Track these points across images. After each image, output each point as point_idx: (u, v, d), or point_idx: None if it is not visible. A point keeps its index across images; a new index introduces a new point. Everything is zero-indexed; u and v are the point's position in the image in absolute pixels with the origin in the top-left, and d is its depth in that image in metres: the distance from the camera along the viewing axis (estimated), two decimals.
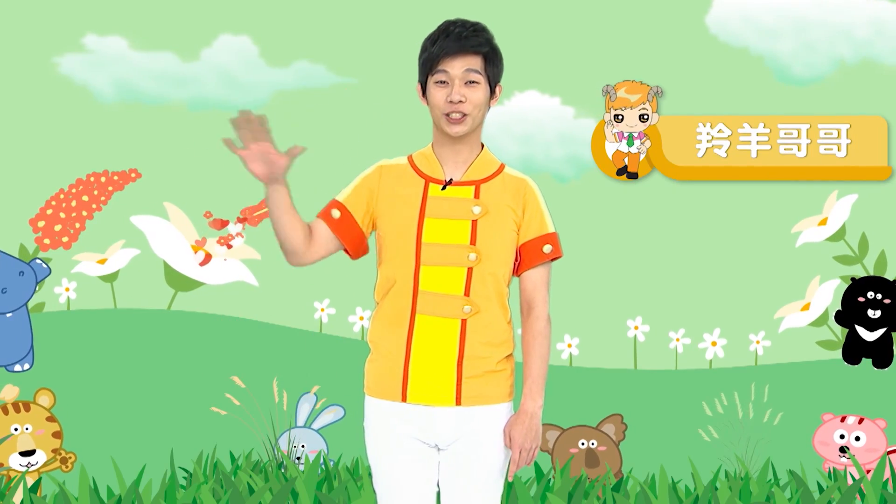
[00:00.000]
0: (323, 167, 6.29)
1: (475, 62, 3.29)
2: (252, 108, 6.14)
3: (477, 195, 3.32)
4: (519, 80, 5.45)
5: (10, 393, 6.12)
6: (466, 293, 3.27)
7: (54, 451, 6.14)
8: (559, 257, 3.39)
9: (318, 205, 3.46)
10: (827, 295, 6.17)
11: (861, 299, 6.15)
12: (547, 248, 3.36)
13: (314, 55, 6.27)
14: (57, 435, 6.14)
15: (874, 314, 6.13)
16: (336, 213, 3.37)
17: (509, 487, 5.63)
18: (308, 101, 6.25)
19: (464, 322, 3.27)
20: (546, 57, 6.18)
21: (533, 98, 6.25)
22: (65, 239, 6.23)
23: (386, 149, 6.21)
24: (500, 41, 3.37)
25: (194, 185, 6.23)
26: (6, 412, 6.13)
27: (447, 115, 3.29)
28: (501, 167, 3.40)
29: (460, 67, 3.28)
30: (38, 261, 6.19)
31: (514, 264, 3.37)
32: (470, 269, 3.28)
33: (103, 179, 6.25)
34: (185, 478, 6.13)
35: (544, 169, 6.22)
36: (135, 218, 6.25)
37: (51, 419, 6.14)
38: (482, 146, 3.41)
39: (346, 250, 3.40)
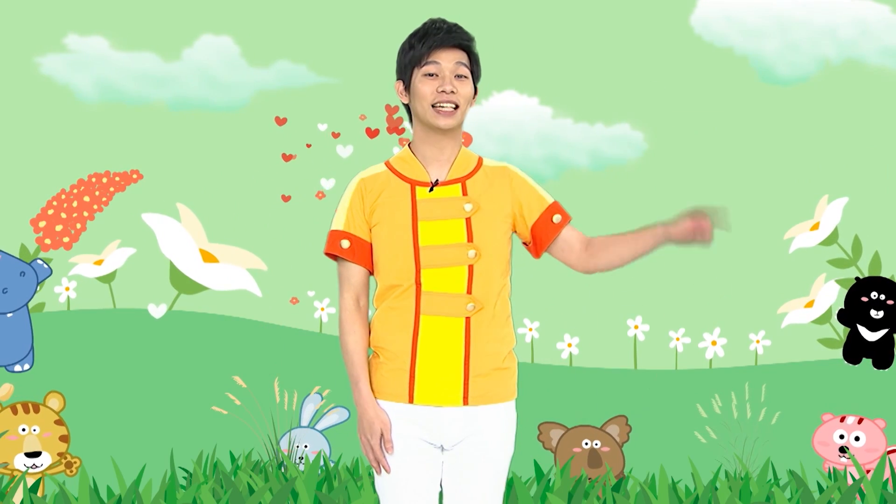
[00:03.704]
0: (307, 166, 6.32)
1: (464, 57, 3.31)
2: (233, 108, 6.24)
3: (465, 192, 3.32)
4: (497, 80, 5.46)
5: (4, 391, 6.12)
6: (469, 291, 3.27)
7: (60, 454, 6.14)
8: (570, 220, 3.39)
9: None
10: (831, 293, 6.18)
11: (864, 299, 6.15)
12: (556, 218, 3.37)
13: (295, 55, 6.29)
14: (64, 439, 6.14)
15: (877, 314, 6.13)
16: (346, 244, 3.34)
17: (509, 487, 5.63)
18: (289, 100, 6.27)
19: (468, 320, 3.27)
20: (524, 57, 6.19)
21: (511, 98, 6.25)
22: (66, 239, 6.24)
23: (369, 148, 6.28)
24: (478, 41, 3.37)
25: (179, 184, 6.25)
26: (15, 412, 6.13)
27: (436, 106, 3.28)
28: (480, 160, 3.41)
29: (451, 60, 3.28)
30: (40, 261, 6.20)
31: (530, 247, 3.38)
32: (471, 267, 3.27)
33: (104, 180, 6.26)
34: (185, 478, 6.13)
35: (522, 169, 6.17)
36: (146, 215, 6.26)
37: (59, 422, 6.14)
38: (460, 143, 3.41)
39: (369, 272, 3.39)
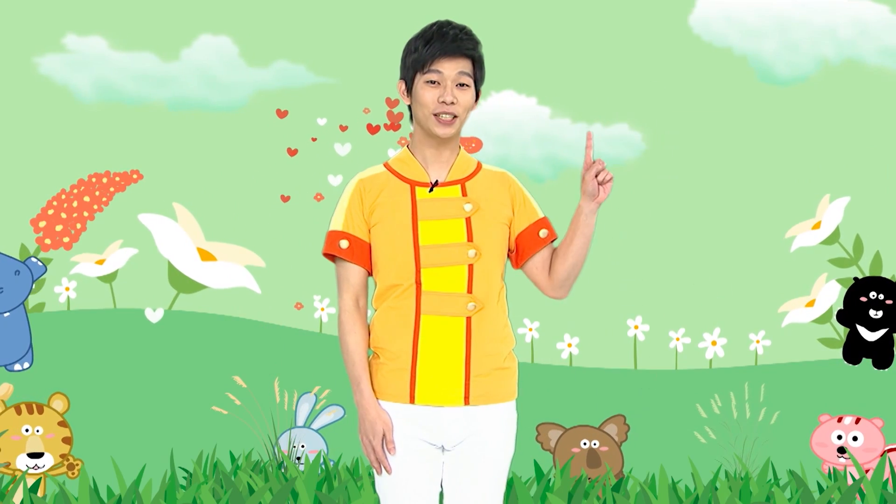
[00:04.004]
0: (306, 165, 6.33)
1: (467, 65, 3.29)
2: (232, 108, 6.24)
3: (464, 193, 3.33)
4: (495, 80, 5.45)
5: (3, 390, 6.12)
6: (469, 290, 3.27)
7: (62, 456, 6.14)
8: (556, 239, 3.40)
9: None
10: (832, 292, 6.19)
11: (863, 299, 6.15)
12: (543, 233, 3.38)
13: (294, 55, 6.30)
14: (67, 441, 6.14)
15: (876, 314, 6.14)
16: (344, 244, 3.34)
17: (509, 487, 5.64)
18: (288, 100, 6.27)
19: (468, 319, 3.27)
20: (523, 57, 6.19)
21: (509, 98, 6.25)
22: (66, 239, 6.24)
23: (365, 148, 6.28)
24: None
25: (179, 184, 6.25)
26: (19, 412, 6.13)
27: (437, 115, 3.28)
28: (479, 165, 3.41)
29: (454, 69, 3.27)
30: (34, 259, 6.20)
31: (512, 255, 3.39)
32: (471, 266, 3.28)
33: (104, 180, 6.26)
34: (185, 478, 6.13)
35: (521, 169, 6.23)
36: (143, 216, 6.27)
37: (63, 424, 6.14)
38: (459, 147, 3.42)
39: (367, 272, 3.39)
